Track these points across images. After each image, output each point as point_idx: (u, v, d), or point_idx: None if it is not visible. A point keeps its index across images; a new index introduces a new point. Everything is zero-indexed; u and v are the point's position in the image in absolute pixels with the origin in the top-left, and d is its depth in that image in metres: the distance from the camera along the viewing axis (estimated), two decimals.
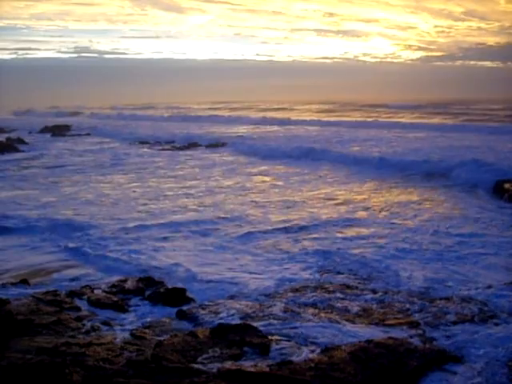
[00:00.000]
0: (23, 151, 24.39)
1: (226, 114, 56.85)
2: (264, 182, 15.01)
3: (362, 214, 10.58)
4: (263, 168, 17.71)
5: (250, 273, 7.26)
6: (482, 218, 9.92)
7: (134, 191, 13.42)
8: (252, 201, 12.03)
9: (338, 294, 6.22)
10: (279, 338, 5.00)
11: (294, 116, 48.56)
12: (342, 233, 9.16)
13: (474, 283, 6.58)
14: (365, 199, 12.04)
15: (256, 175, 16.29)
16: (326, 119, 43.07)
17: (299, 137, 26.75)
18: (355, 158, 18.15)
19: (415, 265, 7.41)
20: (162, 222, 9.93)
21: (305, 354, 4.64)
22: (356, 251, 7.99)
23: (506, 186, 12.07)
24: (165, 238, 8.84)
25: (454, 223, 9.58)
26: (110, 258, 7.75)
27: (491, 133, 26.23)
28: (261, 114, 52.12)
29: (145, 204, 11.74)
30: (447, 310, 5.63)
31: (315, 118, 44.26)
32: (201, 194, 12.86)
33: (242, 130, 34.27)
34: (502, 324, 5.28)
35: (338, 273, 7.06)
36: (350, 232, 9.22)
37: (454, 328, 5.22)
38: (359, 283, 6.63)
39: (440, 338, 5.00)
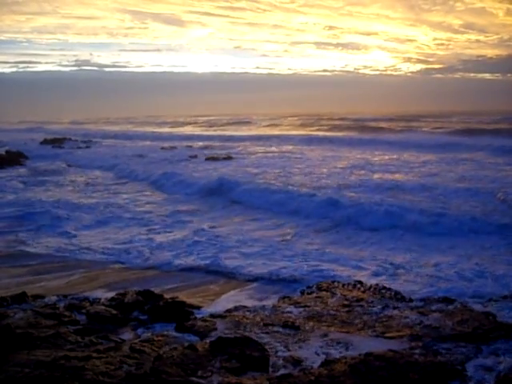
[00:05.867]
0: (33, 165, 24.67)
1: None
2: None
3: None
4: None
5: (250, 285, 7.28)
6: None
7: None
8: None
9: (338, 307, 6.20)
10: (279, 351, 4.98)
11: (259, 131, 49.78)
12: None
13: (476, 296, 6.58)
14: None
15: None
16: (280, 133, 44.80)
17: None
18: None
19: (413, 275, 7.42)
20: None
21: (305, 367, 4.62)
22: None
23: None
24: None
25: None
26: None
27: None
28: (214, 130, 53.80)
29: None
30: (449, 323, 5.61)
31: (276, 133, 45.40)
32: None
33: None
34: (504, 337, 5.25)
35: (338, 284, 7.06)
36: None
37: (455, 341, 5.19)
38: (358, 294, 6.61)
39: (441, 351, 4.97)
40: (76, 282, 7.71)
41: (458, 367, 4.62)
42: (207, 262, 8.54)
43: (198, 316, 5.98)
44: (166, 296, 6.51)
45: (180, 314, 5.96)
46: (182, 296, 6.69)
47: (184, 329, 5.54)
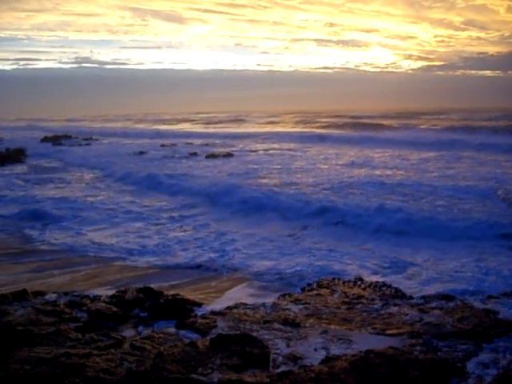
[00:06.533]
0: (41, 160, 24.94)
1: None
2: None
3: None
4: None
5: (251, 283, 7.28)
6: None
7: None
8: None
9: (338, 304, 6.21)
10: (279, 348, 4.98)
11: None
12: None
13: (476, 293, 6.58)
14: None
15: None
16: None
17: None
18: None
19: (413, 273, 7.43)
20: None
21: (305, 364, 4.62)
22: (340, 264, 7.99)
23: None
24: None
25: None
26: None
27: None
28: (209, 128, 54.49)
29: None
30: (449, 320, 5.61)
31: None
32: None
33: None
34: (504, 334, 5.25)
35: (338, 281, 7.06)
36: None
37: (455, 338, 5.19)
38: (358, 291, 6.62)
39: (441, 349, 4.97)
40: (79, 279, 7.73)
41: (458, 364, 4.62)
42: (208, 259, 8.55)
43: (199, 313, 5.99)
44: (168, 293, 6.51)
45: (180, 311, 5.97)
46: (184, 293, 6.70)
47: (184, 326, 5.54)
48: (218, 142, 35.91)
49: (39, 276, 7.82)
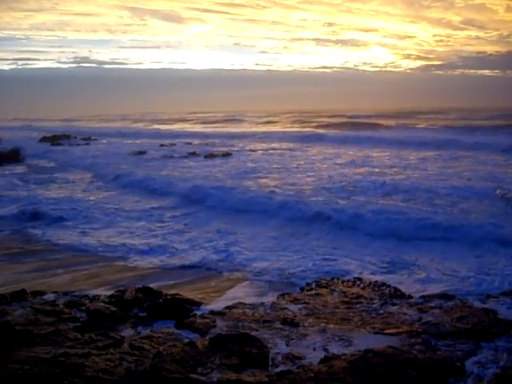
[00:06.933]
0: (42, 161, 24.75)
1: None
2: None
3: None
4: None
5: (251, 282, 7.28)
6: None
7: None
8: None
9: (337, 304, 6.21)
10: (278, 347, 4.98)
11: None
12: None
13: (475, 293, 6.59)
14: None
15: None
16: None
17: None
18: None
19: (412, 272, 7.43)
20: None
21: (304, 363, 4.62)
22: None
23: None
24: None
25: None
26: None
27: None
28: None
29: None
30: (448, 319, 5.61)
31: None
32: None
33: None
34: (503, 333, 5.25)
35: (337, 281, 7.06)
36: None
37: (455, 337, 5.20)
38: (357, 291, 6.62)
39: (441, 348, 4.97)
40: (80, 278, 7.73)
41: (458, 364, 4.62)
42: (209, 259, 8.56)
43: (198, 313, 5.99)
44: (168, 293, 6.51)
45: (180, 310, 5.96)
46: (183, 293, 6.69)
47: (184, 326, 5.54)
48: (216, 141, 35.94)
49: (41, 275, 7.84)
